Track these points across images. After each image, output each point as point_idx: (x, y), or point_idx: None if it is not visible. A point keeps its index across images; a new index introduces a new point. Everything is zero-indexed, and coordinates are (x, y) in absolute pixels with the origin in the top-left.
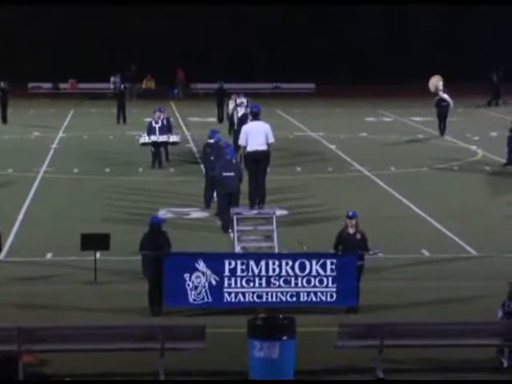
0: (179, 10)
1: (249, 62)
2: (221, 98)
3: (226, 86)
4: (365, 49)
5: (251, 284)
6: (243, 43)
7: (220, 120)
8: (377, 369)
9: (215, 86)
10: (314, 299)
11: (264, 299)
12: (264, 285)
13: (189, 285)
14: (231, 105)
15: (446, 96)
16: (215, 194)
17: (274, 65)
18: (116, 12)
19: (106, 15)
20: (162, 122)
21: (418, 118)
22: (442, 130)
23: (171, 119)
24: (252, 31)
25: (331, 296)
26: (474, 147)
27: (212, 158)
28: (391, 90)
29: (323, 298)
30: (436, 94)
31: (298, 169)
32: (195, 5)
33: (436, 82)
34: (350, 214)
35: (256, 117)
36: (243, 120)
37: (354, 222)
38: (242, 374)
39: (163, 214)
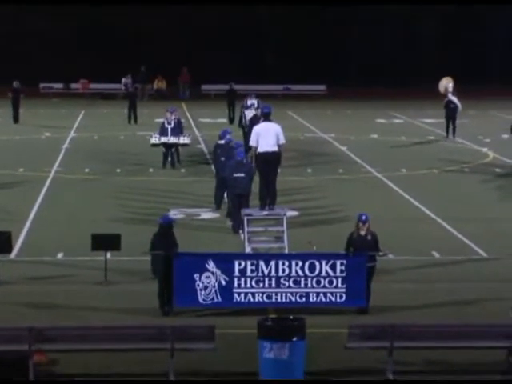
0: (191, 10)
1: (260, 63)
2: (232, 99)
3: (237, 87)
4: (376, 50)
5: (261, 284)
6: (254, 44)
7: (231, 121)
8: (387, 370)
9: (226, 87)
10: (324, 300)
11: (273, 299)
12: (274, 285)
13: (198, 285)
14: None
15: (454, 98)
16: (226, 195)
17: (285, 66)
18: (128, 12)
19: (118, 15)
20: (174, 122)
21: (428, 120)
22: (453, 131)
23: (182, 120)
24: (263, 33)
25: (341, 297)
26: (485, 149)
27: (222, 158)
28: (402, 92)
29: (333, 299)
30: (445, 95)
31: (309, 170)
32: (207, 5)
33: (446, 84)
34: (363, 217)
35: (267, 118)
36: (254, 121)
37: (366, 225)
38: (252, 374)
39: (174, 214)
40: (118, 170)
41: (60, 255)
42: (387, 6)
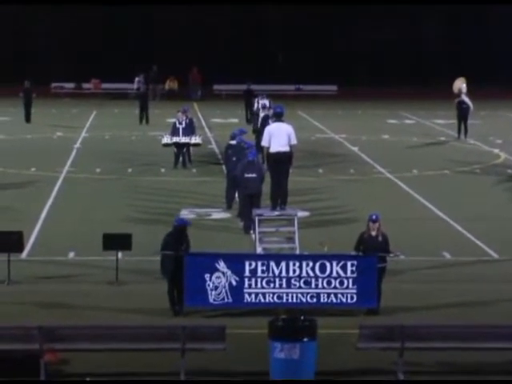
0: (203, 10)
1: (271, 63)
2: (248, 98)
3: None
4: (388, 50)
5: (271, 285)
6: (266, 44)
7: (248, 121)
8: (397, 371)
9: (237, 87)
10: (335, 300)
11: (284, 300)
12: (284, 286)
13: (209, 285)
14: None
15: (466, 99)
16: (237, 195)
17: (297, 66)
18: (140, 12)
19: (130, 15)
20: (186, 122)
21: (440, 121)
22: (465, 132)
23: (194, 120)
24: (275, 33)
25: (351, 297)
26: (496, 150)
27: (234, 158)
28: (413, 92)
29: (343, 300)
30: (458, 95)
31: (320, 170)
32: (219, 5)
33: (460, 85)
34: (374, 217)
35: (279, 118)
36: (265, 121)
37: (376, 225)
38: (262, 374)
39: (185, 214)
40: (130, 170)
41: (71, 255)
42: (399, 4)
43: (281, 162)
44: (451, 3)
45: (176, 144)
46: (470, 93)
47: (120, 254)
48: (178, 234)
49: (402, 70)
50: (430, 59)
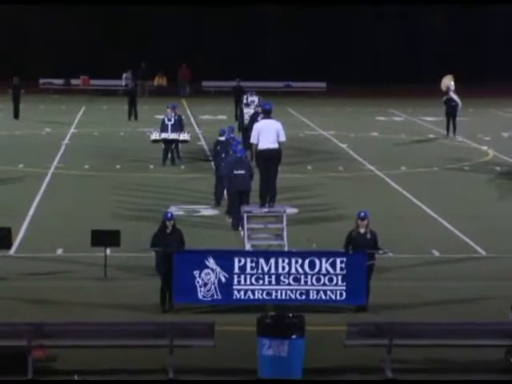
0: (191, 7)
1: (260, 60)
2: (238, 95)
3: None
4: (376, 48)
5: (260, 281)
6: (255, 41)
7: (237, 118)
8: (386, 368)
9: (226, 83)
10: (324, 297)
11: (273, 297)
12: (273, 282)
13: (198, 282)
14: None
15: (455, 96)
16: (225, 192)
17: (286, 63)
18: (128, 8)
19: (118, 12)
20: (175, 119)
21: (429, 118)
22: (453, 129)
23: (183, 117)
24: (264, 30)
25: (340, 294)
26: (485, 147)
27: (223, 155)
28: (402, 90)
29: (332, 297)
30: (446, 93)
31: (309, 167)
32: (208, 3)
33: (448, 82)
34: (362, 214)
35: (268, 115)
36: (254, 118)
37: (365, 222)
38: (251, 371)
39: (174, 211)
40: (118, 166)
41: (59, 251)
42: (388, 3)
43: (270, 159)
44: (443, 2)
45: (164, 140)
46: (457, 90)
47: (108, 251)
48: (167, 229)
49: (391, 67)
50: (418, 57)
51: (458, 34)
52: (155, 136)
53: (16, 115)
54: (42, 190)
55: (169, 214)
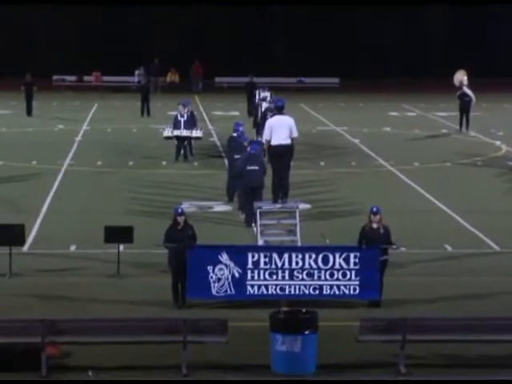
0: (204, 4)
1: (273, 56)
2: (251, 91)
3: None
4: (389, 43)
5: (274, 277)
6: (268, 38)
7: (250, 114)
8: (399, 364)
9: (239, 79)
10: (337, 292)
11: (287, 292)
12: (287, 277)
13: (212, 277)
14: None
15: (469, 91)
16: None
17: (298, 59)
18: (141, 4)
19: (132, 7)
20: (187, 115)
21: (441, 113)
22: (466, 124)
23: (195, 113)
24: (277, 26)
25: (354, 289)
26: (498, 142)
27: (236, 152)
28: (415, 85)
29: (346, 292)
30: (460, 88)
31: (322, 163)
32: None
33: (461, 77)
34: (374, 209)
35: (280, 111)
36: (265, 114)
37: (377, 217)
38: (264, 367)
39: (186, 207)
40: (131, 163)
41: (73, 248)
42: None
43: (282, 155)
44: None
45: (177, 137)
46: (470, 85)
47: (121, 247)
48: (178, 225)
49: (403, 62)
50: (431, 52)
51: (471, 27)
52: (168, 133)
53: (29, 112)
54: (54, 187)
55: (179, 210)
